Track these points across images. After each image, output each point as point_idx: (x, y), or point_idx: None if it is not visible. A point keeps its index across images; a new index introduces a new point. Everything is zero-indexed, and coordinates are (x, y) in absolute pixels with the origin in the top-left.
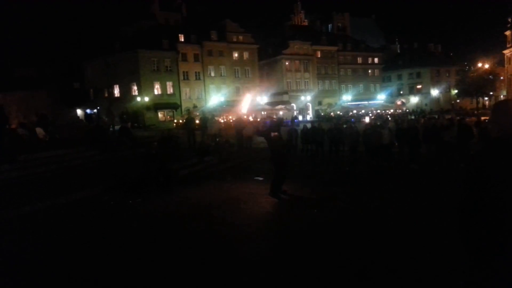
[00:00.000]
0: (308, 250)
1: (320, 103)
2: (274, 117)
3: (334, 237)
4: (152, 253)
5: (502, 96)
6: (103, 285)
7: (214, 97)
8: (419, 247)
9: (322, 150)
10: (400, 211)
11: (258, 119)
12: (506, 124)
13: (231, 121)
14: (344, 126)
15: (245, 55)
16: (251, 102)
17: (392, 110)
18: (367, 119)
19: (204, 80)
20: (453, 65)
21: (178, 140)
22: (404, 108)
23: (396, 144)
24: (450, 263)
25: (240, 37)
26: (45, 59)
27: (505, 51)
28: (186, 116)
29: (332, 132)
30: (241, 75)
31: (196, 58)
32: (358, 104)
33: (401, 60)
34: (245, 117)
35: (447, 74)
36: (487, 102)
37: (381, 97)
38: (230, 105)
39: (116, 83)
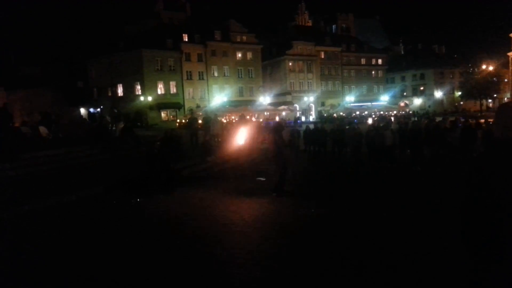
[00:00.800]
0: (308, 250)
1: (323, 104)
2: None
3: (334, 237)
4: (153, 253)
5: (506, 99)
6: (103, 284)
7: (217, 97)
8: (419, 247)
9: (324, 151)
10: (401, 212)
11: (261, 120)
12: (510, 126)
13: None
14: (347, 127)
15: (249, 55)
16: (253, 105)
17: (395, 112)
18: (370, 121)
19: (207, 80)
20: (457, 66)
21: (181, 140)
22: (408, 110)
23: (398, 145)
24: (450, 263)
25: (244, 37)
26: (49, 58)
27: (510, 53)
28: (189, 116)
29: (335, 133)
30: (244, 75)
31: (200, 58)
32: (361, 105)
33: (405, 61)
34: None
35: (451, 76)
36: (491, 104)
37: (384, 99)
38: (233, 105)
39: (119, 82)
